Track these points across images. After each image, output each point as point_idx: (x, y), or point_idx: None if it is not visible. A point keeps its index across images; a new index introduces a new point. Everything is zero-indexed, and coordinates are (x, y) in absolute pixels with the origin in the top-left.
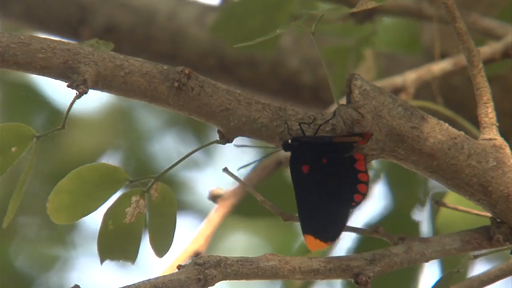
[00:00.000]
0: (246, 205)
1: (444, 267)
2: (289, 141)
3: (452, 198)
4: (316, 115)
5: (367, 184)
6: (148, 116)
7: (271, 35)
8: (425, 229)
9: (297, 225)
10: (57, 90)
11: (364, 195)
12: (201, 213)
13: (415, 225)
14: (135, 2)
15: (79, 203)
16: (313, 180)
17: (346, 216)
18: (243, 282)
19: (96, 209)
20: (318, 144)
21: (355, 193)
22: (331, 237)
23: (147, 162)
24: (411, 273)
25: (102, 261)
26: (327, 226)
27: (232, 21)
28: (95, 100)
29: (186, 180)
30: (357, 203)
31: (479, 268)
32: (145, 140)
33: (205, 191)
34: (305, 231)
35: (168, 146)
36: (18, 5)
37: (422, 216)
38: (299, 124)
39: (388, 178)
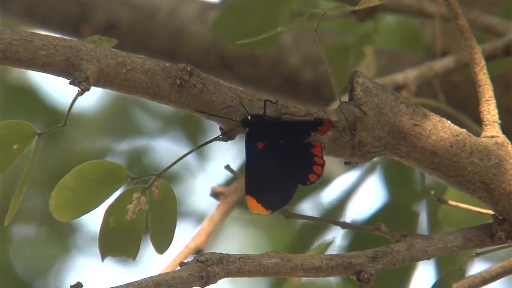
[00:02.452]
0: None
1: (440, 264)
2: (249, 117)
3: (452, 194)
4: (318, 112)
5: (322, 166)
6: (149, 114)
7: (273, 32)
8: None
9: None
10: (57, 90)
11: (318, 176)
12: (200, 213)
13: (415, 217)
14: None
15: (81, 200)
16: (268, 154)
17: (292, 191)
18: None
19: (98, 206)
20: (276, 124)
21: (310, 173)
22: (274, 206)
23: (148, 160)
24: (406, 269)
25: (103, 258)
26: (273, 194)
27: (233, 19)
28: (97, 98)
29: (186, 178)
30: (311, 182)
31: (478, 266)
32: (146, 138)
33: (204, 190)
34: (249, 192)
35: (168, 145)
36: (19, 3)
37: (420, 210)
38: (264, 101)
39: (385, 172)
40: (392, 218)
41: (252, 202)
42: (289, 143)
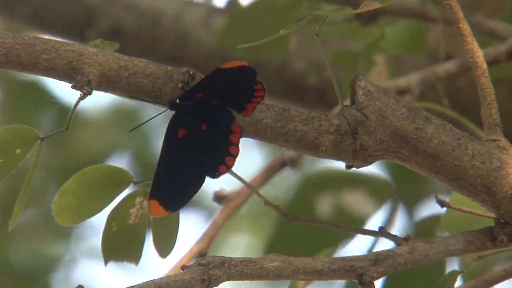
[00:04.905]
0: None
1: None
2: (177, 100)
3: (457, 198)
4: (320, 116)
5: (235, 158)
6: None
7: (275, 35)
8: None
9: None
10: (65, 88)
11: (229, 168)
12: (206, 212)
13: None
14: (140, 4)
15: (84, 205)
16: (184, 146)
17: (197, 188)
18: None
19: (101, 210)
20: (203, 101)
21: (221, 164)
22: (175, 206)
23: (153, 163)
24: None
25: (106, 262)
26: (176, 195)
27: (240, 28)
28: (101, 100)
29: None
30: (220, 174)
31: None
32: (151, 141)
33: (209, 191)
34: (153, 196)
35: None
36: (24, 7)
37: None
38: (182, 86)
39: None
40: None
41: (154, 206)
42: (211, 128)
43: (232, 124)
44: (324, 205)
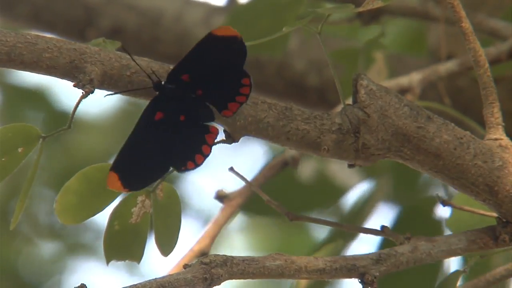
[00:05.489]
0: (253, 204)
1: None
2: (163, 82)
3: (462, 198)
4: (322, 115)
5: (205, 157)
6: None
7: (277, 34)
8: None
9: (303, 224)
10: (65, 90)
11: (196, 166)
12: (206, 214)
13: (437, 224)
14: (141, 4)
15: (86, 204)
16: (157, 129)
17: (161, 173)
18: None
19: (103, 209)
20: (191, 88)
21: (190, 160)
22: (133, 186)
23: None
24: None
25: (108, 261)
26: (137, 176)
27: (239, 25)
28: (104, 102)
29: (192, 180)
30: (187, 169)
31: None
32: None
33: (210, 191)
34: (114, 169)
35: None
36: (25, 7)
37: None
38: (149, 76)
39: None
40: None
41: (112, 178)
42: (189, 121)
43: (211, 124)
44: (307, 169)
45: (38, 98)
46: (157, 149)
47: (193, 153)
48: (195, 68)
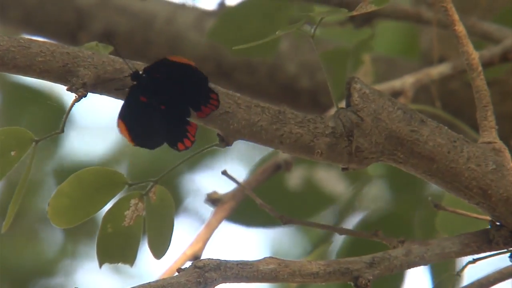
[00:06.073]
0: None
1: (434, 269)
2: (140, 72)
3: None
4: (316, 118)
5: (186, 148)
6: None
7: (270, 37)
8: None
9: (297, 227)
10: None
11: (186, 148)
12: (204, 215)
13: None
14: (133, 7)
15: (79, 207)
16: (146, 108)
17: (161, 142)
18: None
19: (96, 212)
20: (163, 87)
21: (180, 142)
22: (141, 142)
23: (151, 165)
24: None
25: (101, 264)
26: (144, 133)
27: (230, 26)
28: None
29: (190, 182)
30: (179, 150)
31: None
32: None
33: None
34: (121, 117)
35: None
36: (16, 10)
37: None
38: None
39: (389, 180)
40: (394, 225)
41: (121, 126)
42: (169, 111)
43: (188, 120)
44: (296, 178)
45: (38, 97)
46: (150, 121)
47: (179, 138)
48: (164, 77)
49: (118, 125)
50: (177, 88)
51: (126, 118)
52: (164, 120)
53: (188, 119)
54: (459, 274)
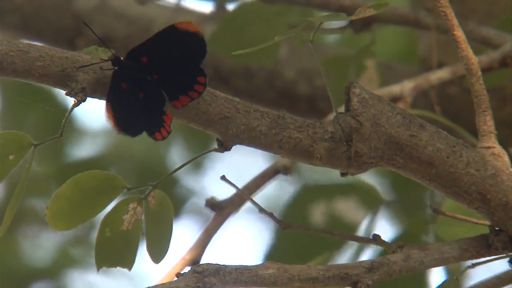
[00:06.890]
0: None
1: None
2: (121, 58)
3: (450, 205)
4: (315, 123)
5: (166, 134)
6: None
7: (269, 43)
8: None
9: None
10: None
11: (164, 138)
12: (205, 218)
13: None
14: (131, 13)
15: (77, 210)
16: (128, 95)
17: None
18: None
19: (94, 216)
20: (148, 70)
21: (158, 132)
22: (126, 129)
23: (151, 169)
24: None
25: (99, 268)
26: (129, 120)
27: (230, 32)
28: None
29: (191, 186)
30: (155, 139)
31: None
32: (150, 147)
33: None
34: (108, 100)
35: (174, 153)
36: (14, 16)
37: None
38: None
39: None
40: None
41: (109, 112)
42: (146, 99)
43: (165, 110)
44: (317, 214)
45: (39, 97)
46: (132, 108)
47: (157, 128)
48: (154, 54)
49: (106, 110)
50: (163, 72)
51: (113, 104)
52: (143, 109)
53: (164, 109)
54: (457, 278)
